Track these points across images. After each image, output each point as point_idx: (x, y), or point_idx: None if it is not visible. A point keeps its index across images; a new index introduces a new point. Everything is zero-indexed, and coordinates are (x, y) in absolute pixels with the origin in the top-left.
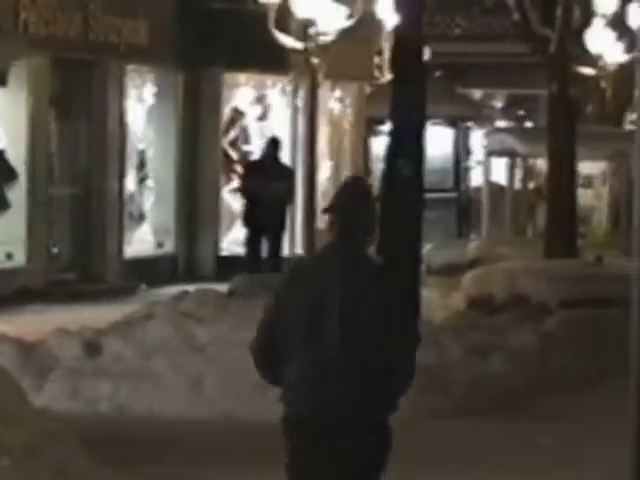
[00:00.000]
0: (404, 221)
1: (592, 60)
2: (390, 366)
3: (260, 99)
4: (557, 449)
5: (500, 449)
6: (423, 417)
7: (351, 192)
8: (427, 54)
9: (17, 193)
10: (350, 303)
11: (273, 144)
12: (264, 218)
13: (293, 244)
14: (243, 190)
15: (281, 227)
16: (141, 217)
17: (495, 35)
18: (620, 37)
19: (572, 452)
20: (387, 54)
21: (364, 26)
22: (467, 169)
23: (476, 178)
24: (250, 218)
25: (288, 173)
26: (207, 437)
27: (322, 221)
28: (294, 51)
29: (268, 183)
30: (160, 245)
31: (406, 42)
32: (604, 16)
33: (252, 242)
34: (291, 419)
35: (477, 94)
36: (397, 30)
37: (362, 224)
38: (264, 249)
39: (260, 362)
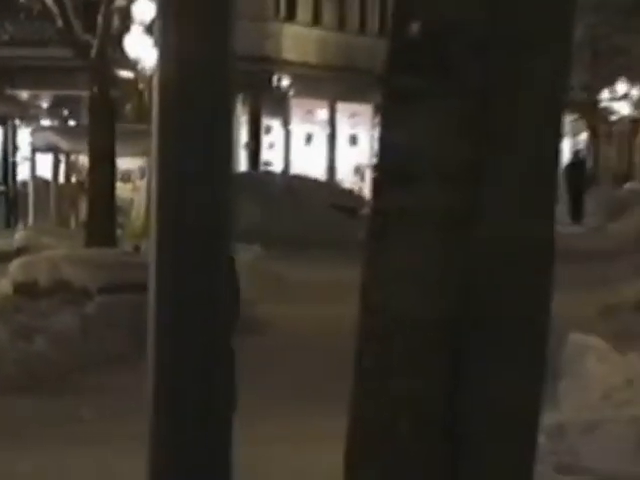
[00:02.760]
0: None
1: (131, 64)
2: None
3: None
4: (97, 423)
5: (45, 422)
6: None
7: None
8: None
9: None
10: None
11: None
12: None
13: None
14: None
15: None
16: None
17: (41, 40)
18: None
19: (112, 426)
20: None
21: None
22: (15, 164)
23: (23, 173)
24: None
25: None
26: None
27: None
28: None
29: None
30: None
31: None
32: (142, 23)
33: None
34: None
35: (24, 95)
36: None
37: None
38: None
39: None
